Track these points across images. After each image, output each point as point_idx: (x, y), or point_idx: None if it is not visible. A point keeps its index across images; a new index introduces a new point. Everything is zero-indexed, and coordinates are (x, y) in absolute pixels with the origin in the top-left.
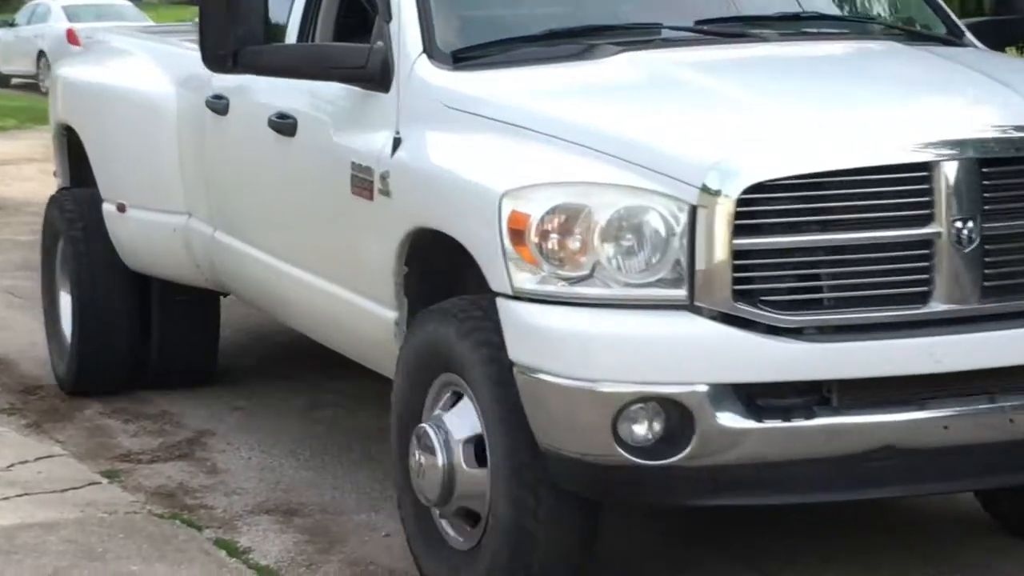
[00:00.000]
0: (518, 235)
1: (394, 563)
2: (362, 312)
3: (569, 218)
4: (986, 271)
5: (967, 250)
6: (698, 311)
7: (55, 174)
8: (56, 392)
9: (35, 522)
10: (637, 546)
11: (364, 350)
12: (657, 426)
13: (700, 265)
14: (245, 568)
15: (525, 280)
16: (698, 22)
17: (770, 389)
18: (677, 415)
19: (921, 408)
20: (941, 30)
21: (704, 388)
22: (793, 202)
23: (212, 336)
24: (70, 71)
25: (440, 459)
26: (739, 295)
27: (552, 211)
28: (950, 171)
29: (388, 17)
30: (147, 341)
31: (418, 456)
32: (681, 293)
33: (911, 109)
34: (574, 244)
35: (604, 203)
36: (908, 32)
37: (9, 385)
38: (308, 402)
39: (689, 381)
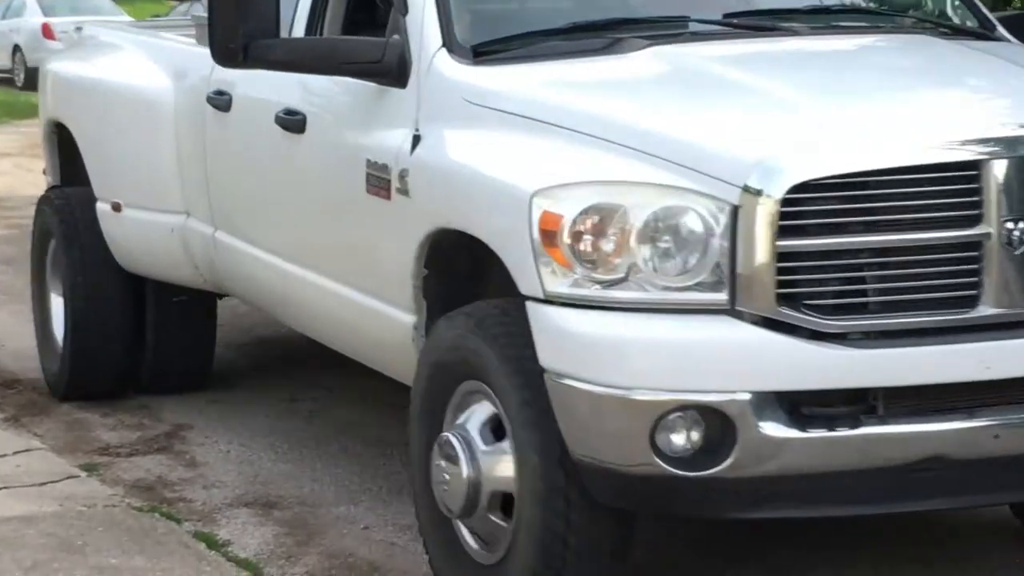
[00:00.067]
0: (550, 236)
1: (373, 555)
2: (377, 316)
3: (604, 219)
4: None
5: (1018, 252)
6: (739, 316)
7: (44, 172)
8: (34, 386)
9: (14, 515)
10: (657, 555)
11: (379, 356)
12: (696, 436)
13: (741, 268)
14: (224, 561)
15: (557, 283)
16: (726, 15)
17: (814, 397)
18: (717, 424)
19: (970, 417)
20: (973, 24)
21: (746, 396)
22: (838, 202)
23: (208, 339)
24: (61, 66)
25: (464, 469)
26: (782, 299)
27: (586, 211)
28: (1000, 170)
29: (404, 10)
30: (141, 344)
31: (441, 466)
32: (721, 297)
33: (957, 105)
34: (609, 246)
35: (640, 203)
36: (939, 25)
37: None
38: (286, 396)
39: (730, 389)
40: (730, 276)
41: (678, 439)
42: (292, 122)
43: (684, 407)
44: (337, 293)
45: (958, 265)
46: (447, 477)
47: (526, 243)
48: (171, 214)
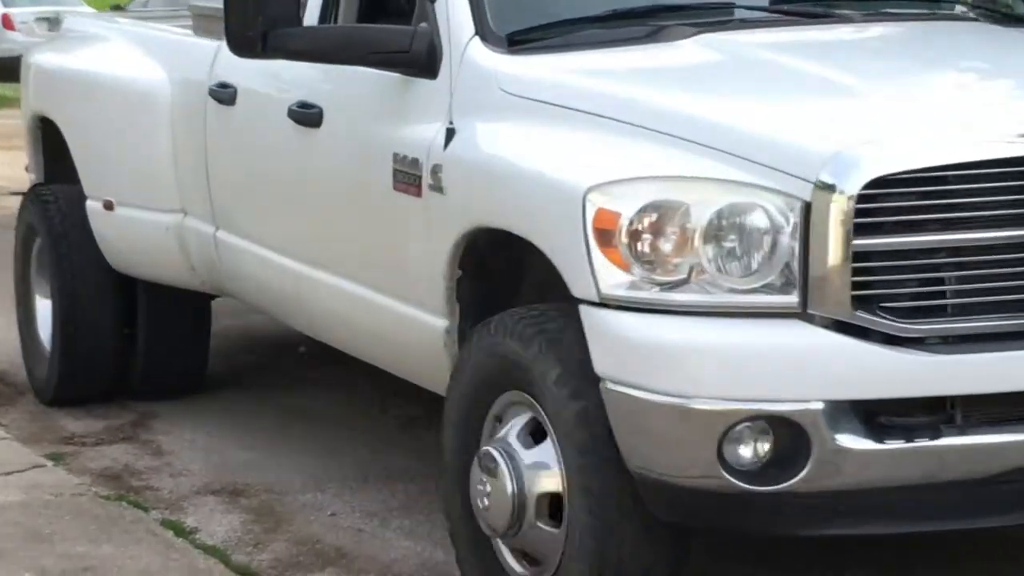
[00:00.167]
0: (606, 235)
1: (340, 541)
2: (404, 320)
3: (664, 216)
4: None
5: None
6: (810, 319)
7: (27, 169)
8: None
9: None
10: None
11: (407, 363)
12: (764, 448)
13: (814, 269)
14: (192, 548)
15: (614, 285)
16: (774, 1)
17: (891, 406)
18: (788, 435)
19: None
20: (1022, 10)
21: (820, 405)
22: (916, 198)
23: (202, 342)
24: (46, 58)
25: (509, 485)
26: (857, 301)
27: (645, 209)
28: None
29: None
30: (132, 348)
31: (482, 482)
32: (792, 300)
33: None
34: (670, 245)
35: (704, 200)
36: (991, 12)
37: None
38: (251, 384)
39: (803, 398)
40: (801, 277)
41: (746, 451)
42: (307, 115)
43: (754, 417)
44: (357, 296)
45: None
46: (489, 494)
47: (579, 243)
48: (167, 213)
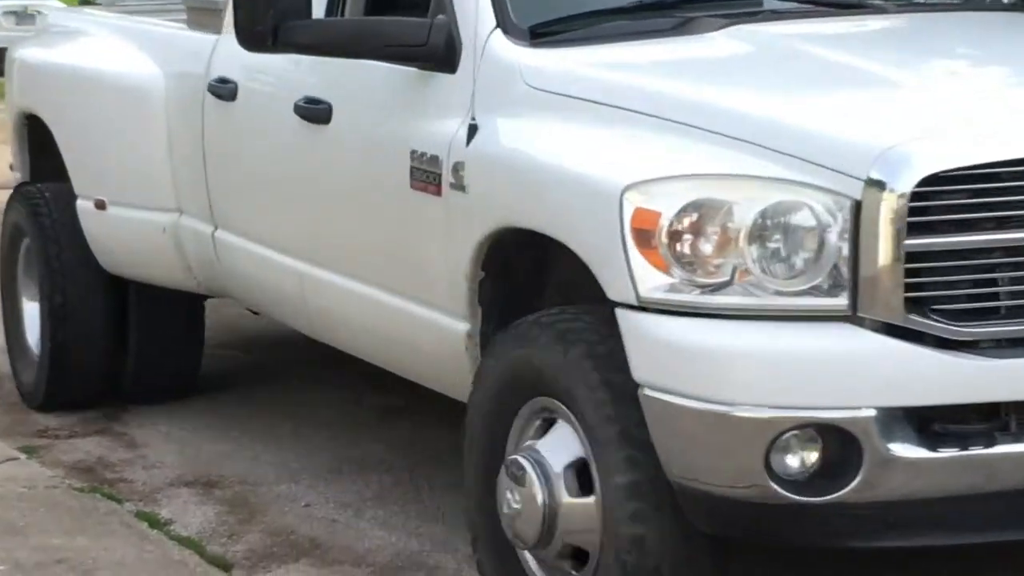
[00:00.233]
0: (645, 236)
1: (314, 532)
2: (422, 323)
3: (707, 216)
4: None
5: None
6: (860, 323)
7: (11, 167)
8: None
9: None
10: None
11: (426, 368)
12: (812, 457)
13: (864, 270)
14: (167, 539)
15: (653, 288)
16: None
17: (944, 412)
18: (838, 444)
19: None
20: None
21: (872, 412)
22: (970, 196)
23: (195, 344)
24: (32, 53)
25: (539, 495)
26: (909, 304)
27: (686, 208)
28: None
29: None
30: (124, 350)
31: (510, 493)
32: (841, 302)
33: None
34: (712, 246)
35: (748, 198)
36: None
37: None
38: (221, 375)
39: (854, 405)
40: (850, 279)
41: (793, 460)
42: (315, 111)
43: (803, 425)
44: (371, 298)
45: None
46: (518, 504)
47: (616, 244)
48: (162, 212)
